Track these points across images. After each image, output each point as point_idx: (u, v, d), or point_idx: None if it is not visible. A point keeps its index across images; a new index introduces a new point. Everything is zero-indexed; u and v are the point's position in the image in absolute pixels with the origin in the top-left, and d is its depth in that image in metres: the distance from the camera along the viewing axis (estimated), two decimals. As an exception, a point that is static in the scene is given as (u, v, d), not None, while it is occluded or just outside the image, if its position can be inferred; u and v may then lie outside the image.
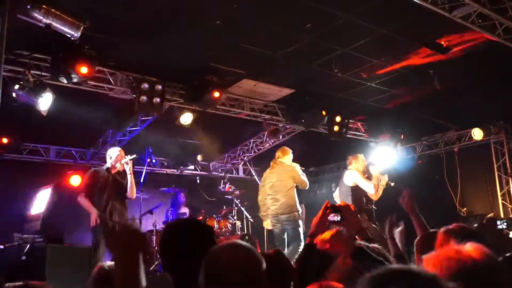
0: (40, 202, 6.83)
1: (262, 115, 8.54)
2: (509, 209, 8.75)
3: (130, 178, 6.25)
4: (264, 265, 1.73)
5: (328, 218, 2.56)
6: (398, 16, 5.66)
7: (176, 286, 2.08)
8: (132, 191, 6.31)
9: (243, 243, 1.77)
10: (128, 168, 6.24)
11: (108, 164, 6.39)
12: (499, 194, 8.94)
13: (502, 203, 8.88)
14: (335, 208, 2.55)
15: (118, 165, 6.33)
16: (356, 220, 2.60)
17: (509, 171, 8.92)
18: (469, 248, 1.53)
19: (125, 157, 6.29)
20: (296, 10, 5.47)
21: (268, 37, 6.15)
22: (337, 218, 2.50)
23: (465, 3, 5.07)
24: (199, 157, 10.02)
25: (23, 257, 5.40)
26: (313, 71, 7.12)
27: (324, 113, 8.27)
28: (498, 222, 4.59)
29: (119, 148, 6.58)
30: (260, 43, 6.27)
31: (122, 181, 6.30)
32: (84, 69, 5.89)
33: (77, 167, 9.25)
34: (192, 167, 10.44)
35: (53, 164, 9.19)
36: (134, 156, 6.32)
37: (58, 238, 5.86)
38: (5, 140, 7.94)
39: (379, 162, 8.03)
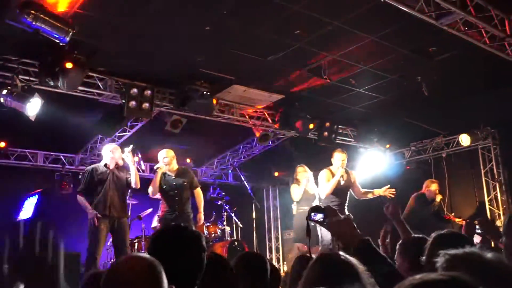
0: (28, 207, 6.79)
1: (252, 120, 8.56)
2: (497, 214, 8.83)
3: (133, 168, 6.25)
4: (165, 279, 1.61)
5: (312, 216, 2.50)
6: (386, 23, 5.73)
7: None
8: (136, 180, 6.28)
9: (144, 255, 1.69)
10: (130, 160, 6.22)
11: (106, 160, 6.32)
12: (486, 199, 9.02)
13: (490, 209, 8.96)
14: (318, 209, 2.50)
15: (120, 162, 6.33)
16: (338, 225, 2.49)
17: (496, 177, 9.00)
18: None
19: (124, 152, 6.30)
20: (285, 16, 5.50)
21: (257, 43, 6.17)
22: (320, 217, 2.45)
23: (451, 11, 5.14)
24: (188, 160, 10.00)
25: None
26: (302, 77, 7.15)
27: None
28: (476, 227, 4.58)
29: (116, 146, 6.62)
30: (249, 49, 6.29)
31: (121, 176, 6.29)
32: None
33: (65, 173, 9.19)
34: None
35: (41, 170, 9.12)
36: (131, 146, 6.30)
37: (45, 244, 5.79)
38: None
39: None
